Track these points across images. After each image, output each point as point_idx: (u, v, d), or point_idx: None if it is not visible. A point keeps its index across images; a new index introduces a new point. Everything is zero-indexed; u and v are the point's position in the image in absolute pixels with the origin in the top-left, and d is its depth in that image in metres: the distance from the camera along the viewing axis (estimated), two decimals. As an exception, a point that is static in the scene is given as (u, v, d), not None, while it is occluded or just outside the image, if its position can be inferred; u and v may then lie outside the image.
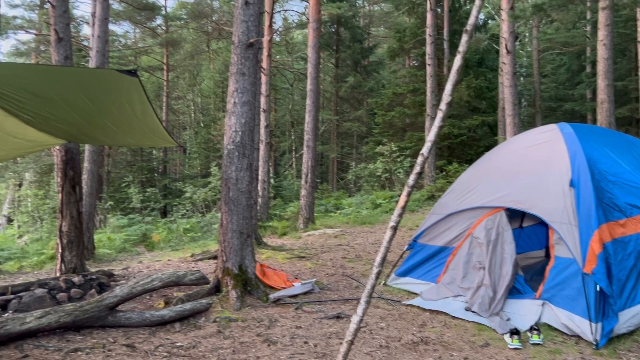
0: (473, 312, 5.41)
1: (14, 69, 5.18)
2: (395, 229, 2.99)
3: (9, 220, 24.68)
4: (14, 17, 25.63)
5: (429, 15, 18.63)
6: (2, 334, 4.74)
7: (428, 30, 18.52)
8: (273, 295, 6.05)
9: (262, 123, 14.31)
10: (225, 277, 6.16)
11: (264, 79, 14.27)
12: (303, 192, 13.65)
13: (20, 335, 4.83)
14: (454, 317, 5.44)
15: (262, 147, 14.29)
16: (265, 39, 14.60)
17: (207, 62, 31.46)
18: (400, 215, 2.98)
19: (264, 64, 14.55)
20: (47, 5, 19.73)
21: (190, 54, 29.27)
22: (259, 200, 13.96)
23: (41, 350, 4.57)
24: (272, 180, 19.54)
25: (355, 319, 3.08)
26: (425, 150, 2.93)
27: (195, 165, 29.27)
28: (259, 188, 13.80)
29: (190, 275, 5.69)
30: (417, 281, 6.40)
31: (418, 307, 5.78)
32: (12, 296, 6.57)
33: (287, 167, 27.23)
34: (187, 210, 18.80)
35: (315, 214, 14.16)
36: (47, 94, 5.09)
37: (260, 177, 14.01)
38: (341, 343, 4.52)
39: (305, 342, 4.60)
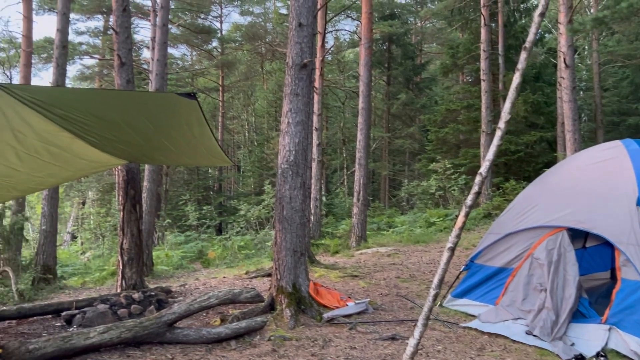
0: (534, 336, 5.20)
1: (81, 94, 5.46)
2: (452, 250, 2.93)
3: (73, 237, 25.82)
4: (80, 44, 27.14)
5: (483, 31, 18.36)
6: (68, 348, 4.93)
7: (482, 46, 18.23)
8: (327, 315, 6.03)
9: (314, 141, 14.43)
10: (279, 295, 6.20)
11: (316, 98, 14.42)
12: (355, 210, 13.60)
13: (84, 350, 5.01)
14: (514, 341, 5.24)
15: (314, 165, 14.40)
16: (317, 59, 14.78)
17: (260, 83, 32.13)
18: (458, 236, 2.92)
19: (316, 83, 14.71)
20: (111, 32, 20.77)
21: (244, 75, 30.00)
22: (312, 218, 14.01)
23: (103, 365, 4.72)
24: (324, 198, 19.60)
25: (412, 341, 3.02)
26: (483, 169, 2.87)
27: (249, 184, 29.77)
28: (311, 206, 13.87)
29: (245, 293, 5.76)
30: (474, 303, 6.22)
31: (476, 329, 5.61)
32: (76, 311, 6.85)
33: (339, 185, 27.23)
34: (242, 228, 19.09)
35: (367, 232, 14.07)
36: (111, 117, 5.33)
37: (312, 195, 14.08)
38: (397, 365, 4.47)
39: (360, 364, 4.54)
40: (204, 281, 10.05)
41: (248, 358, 4.78)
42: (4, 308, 7.84)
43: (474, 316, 6.02)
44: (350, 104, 29.15)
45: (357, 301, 6.62)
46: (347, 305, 6.42)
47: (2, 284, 11.19)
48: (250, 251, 14.76)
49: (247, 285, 8.60)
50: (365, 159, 13.64)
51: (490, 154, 2.88)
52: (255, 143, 32.22)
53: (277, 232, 6.47)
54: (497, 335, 5.40)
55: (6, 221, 13.07)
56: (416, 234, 14.13)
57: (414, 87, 27.53)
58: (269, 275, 9.27)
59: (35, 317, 7.35)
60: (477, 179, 2.88)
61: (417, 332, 3.00)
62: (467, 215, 2.94)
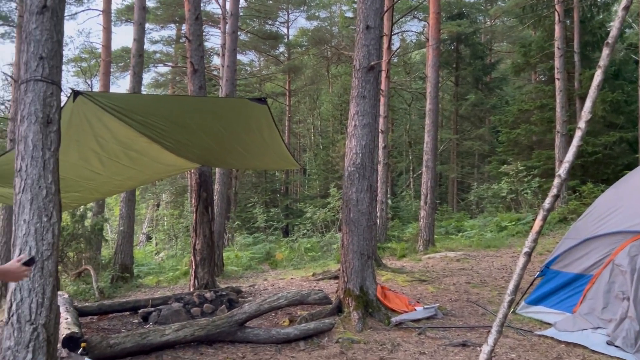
0: (616, 346, 4.91)
1: (158, 101, 5.72)
2: (529, 255, 2.83)
3: (148, 238, 27.00)
4: (154, 52, 28.40)
5: (557, 28, 17.60)
6: (145, 344, 5.16)
7: (557, 43, 17.47)
8: (395, 319, 5.97)
9: (380, 144, 14.34)
10: (346, 297, 6.20)
11: (382, 100, 14.33)
12: (422, 213, 13.40)
13: (160, 346, 5.23)
14: (593, 351, 4.97)
15: (380, 168, 14.31)
16: (384, 61, 14.70)
17: (326, 86, 32.35)
18: (535, 241, 2.82)
19: (383, 86, 14.62)
20: (184, 40, 21.57)
21: (310, 79, 30.30)
22: (377, 221, 13.92)
23: (178, 361, 4.90)
24: (389, 201, 19.41)
25: (486, 348, 2.94)
26: (562, 171, 2.75)
27: (315, 187, 30.00)
28: (377, 209, 13.79)
29: (313, 295, 5.80)
30: (550, 310, 5.96)
31: (552, 338, 5.37)
32: (152, 309, 7.16)
33: (405, 188, 26.89)
34: (308, 230, 19.28)
35: (435, 236, 13.81)
36: (186, 122, 5.55)
37: (378, 198, 13.99)
38: (468, 373, 4.35)
39: (430, 369, 4.46)
40: (272, 282, 10.22)
41: (317, 359, 4.81)
42: (86, 304, 8.31)
43: (549, 324, 5.76)
44: (417, 106, 28.77)
45: (426, 306, 6.51)
46: (415, 309, 6.33)
47: (84, 281, 11.89)
48: (316, 253, 14.87)
49: (315, 287, 8.66)
50: (433, 162, 13.41)
51: (569, 155, 2.75)
52: (321, 146, 32.45)
53: (344, 234, 6.48)
54: (575, 345, 5.14)
55: (87, 222, 13.88)
56: (487, 238, 13.71)
57: (483, 87, 26.77)
58: (336, 277, 9.31)
59: (114, 314, 7.76)
60: (556, 181, 2.76)
61: (491, 339, 2.91)
62: (544, 219, 2.82)
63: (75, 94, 4.64)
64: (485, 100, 25.86)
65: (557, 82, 17.37)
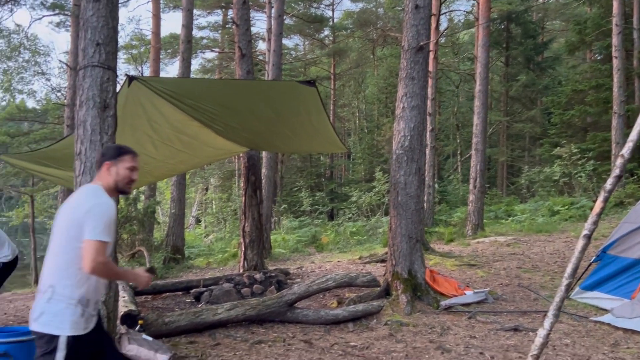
0: (679, 335, 4.72)
1: (210, 85, 5.81)
2: (589, 238, 2.74)
3: (198, 221, 27.68)
4: (202, 38, 28.80)
5: (615, 3, 16.73)
6: (198, 322, 5.32)
7: (614, 20, 16.62)
8: (444, 302, 5.92)
9: (428, 127, 14.13)
10: (394, 281, 6.19)
11: (429, 82, 14.08)
12: (471, 197, 13.17)
13: (212, 325, 5.38)
14: (653, 339, 4.80)
15: (427, 151, 14.11)
16: (431, 42, 14.43)
17: (371, 69, 32.03)
18: (596, 223, 2.72)
19: (430, 67, 14.36)
20: (230, 25, 21.79)
21: (355, 62, 30.05)
22: (425, 205, 13.78)
23: (230, 340, 5.03)
24: (436, 185, 19.15)
25: (542, 332, 2.87)
26: (626, 151, 2.64)
27: (360, 171, 29.91)
28: (424, 193, 13.64)
29: (362, 277, 5.82)
30: (606, 296, 5.77)
31: (609, 324, 5.20)
32: (204, 289, 7.36)
33: (452, 172, 26.42)
34: (353, 214, 19.29)
35: (484, 221, 13.56)
36: (236, 106, 5.62)
37: (425, 182, 13.83)
38: (520, 357, 4.28)
39: (481, 353, 4.41)
40: (319, 265, 10.32)
41: (366, 340, 4.84)
42: (142, 283, 8.61)
43: (605, 310, 5.58)
44: (465, 88, 28.11)
45: (476, 290, 6.43)
46: (465, 294, 6.26)
47: (138, 262, 12.33)
48: (362, 237, 14.88)
49: (361, 270, 8.68)
50: (483, 144, 13.12)
51: (634, 134, 2.63)
52: (366, 130, 32.25)
53: (391, 218, 6.45)
54: (634, 332, 4.96)
55: (140, 205, 14.35)
56: (538, 223, 13.35)
57: (535, 67, 25.84)
58: (383, 261, 9.30)
59: (167, 293, 8.02)
60: (619, 161, 2.65)
61: (547, 323, 2.85)
62: (605, 200, 2.72)
63: (130, 79, 4.77)
64: (537, 81, 24.97)
65: (614, 60, 16.57)
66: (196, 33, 27.62)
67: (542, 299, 6.34)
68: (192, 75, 25.92)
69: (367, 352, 4.51)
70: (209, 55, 31.31)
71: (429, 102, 13.87)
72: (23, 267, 14.62)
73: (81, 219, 2.41)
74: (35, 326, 2.40)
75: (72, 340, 2.36)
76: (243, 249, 8.82)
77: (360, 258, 10.29)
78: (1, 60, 16.19)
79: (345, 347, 4.66)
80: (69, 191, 10.68)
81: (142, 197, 15.78)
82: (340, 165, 31.67)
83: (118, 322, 4.57)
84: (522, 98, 26.22)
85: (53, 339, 2.35)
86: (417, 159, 6.45)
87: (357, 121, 34.24)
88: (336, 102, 30.12)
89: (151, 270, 2.46)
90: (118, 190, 2.70)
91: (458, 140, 27.01)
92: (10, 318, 7.03)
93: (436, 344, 4.68)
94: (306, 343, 4.83)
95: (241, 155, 8.96)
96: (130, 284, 6.23)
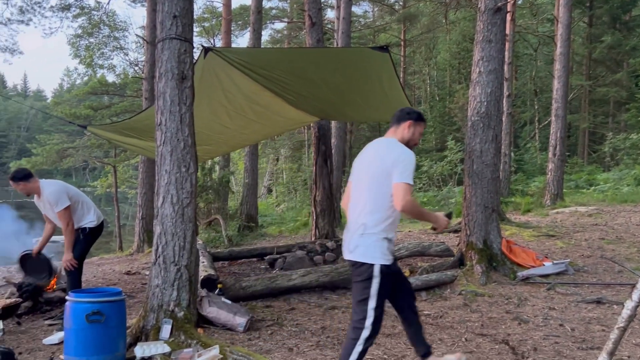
0: None
1: (282, 54, 5.84)
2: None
3: (269, 191, 28.29)
4: (271, 9, 28.89)
5: None
6: (274, 287, 5.49)
7: None
8: (522, 273, 5.76)
9: (504, 92, 13.54)
10: (469, 251, 6.08)
11: (507, 45, 13.44)
12: (550, 166, 12.59)
13: (287, 290, 5.53)
14: None
15: (503, 118, 13.56)
16: (508, 3, 13.72)
17: (443, 34, 30.93)
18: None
19: (507, 30, 13.65)
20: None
21: (426, 27, 29.08)
22: (500, 174, 13.34)
23: (304, 305, 5.15)
24: (512, 154, 18.43)
25: (630, 304, 2.71)
26: None
27: (430, 139, 29.23)
28: (500, 162, 13.19)
29: (435, 247, 5.75)
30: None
31: None
32: (277, 256, 7.56)
33: (529, 140, 25.27)
34: (424, 184, 19.00)
35: (564, 190, 12.96)
36: (308, 75, 5.62)
37: (501, 150, 13.36)
38: (603, 330, 4.10)
39: (561, 325, 4.26)
40: (390, 234, 10.28)
41: (439, 309, 4.80)
42: (218, 250, 8.98)
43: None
44: (544, 51, 26.58)
45: (555, 261, 6.19)
46: (543, 265, 6.05)
47: (214, 229, 12.81)
48: (433, 207, 14.67)
49: (433, 240, 8.58)
50: (563, 110, 12.45)
51: None
52: (437, 98, 31.38)
53: (466, 187, 6.29)
54: None
55: (215, 175, 14.82)
56: (623, 192, 12.61)
57: (621, 27, 23.96)
58: (456, 231, 9.14)
59: (242, 260, 8.32)
60: None
61: (636, 295, 2.69)
62: None
63: (206, 50, 4.87)
64: (623, 42, 23.16)
65: None
66: (265, 4, 27.74)
67: (627, 271, 6.02)
68: (262, 47, 26.17)
69: (441, 321, 4.48)
70: (278, 25, 31.36)
71: (505, 67, 13.28)
72: (107, 234, 15.60)
73: (389, 165, 2.76)
74: (351, 256, 2.84)
75: (385, 269, 2.75)
76: (314, 217, 8.93)
77: (432, 228, 10.15)
78: (83, 36, 16.96)
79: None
80: (149, 161, 11.18)
81: (217, 168, 16.28)
82: (410, 135, 31.07)
83: (199, 285, 4.78)
84: (606, 60, 24.47)
85: (369, 267, 2.74)
86: (494, 126, 6.22)
87: (428, 89, 33.35)
88: (406, 70, 29.43)
89: (449, 215, 2.70)
90: None
91: (536, 107, 25.77)
92: (100, 280, 7.56)
93: (513, 314, 4.57)
94: (379, 310, 4.85)
95: (311, 125, 9.00)
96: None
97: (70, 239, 4.76)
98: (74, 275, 4.81)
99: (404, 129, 2.99)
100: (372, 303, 2.73)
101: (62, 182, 5.11)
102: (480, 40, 6.22)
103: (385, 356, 3.52)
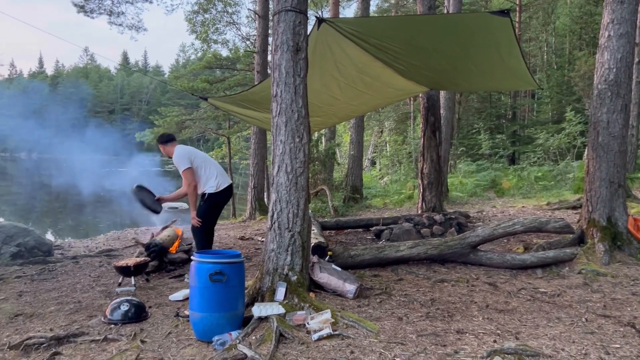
0: None
1: (395, 22, 5.73)
2: None
3: (373, 163, 28.25)
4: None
5: None
6: (381, 257, 5.54)
7: None
8: (651, 254, 5.32)
9: (635, 58, 12.34)
10: (590, 228, 5.71)
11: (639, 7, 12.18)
12: (687, 139, 11.36)
13: (394, 261, 5.56)
14: None
15: (633, 86, 12.39)
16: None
17: (564, -3, 28.68)
18: None
19: (640, -11, 12.36)
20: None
21: (546, -10, 27.10)
22: (627, 147, 12.27)
23: (412, 276, 5.15)
24: (640, 126, 16.83)
25: None
26: None
27: (547, 111, 27.47)
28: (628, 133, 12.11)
29: (553, 223, 5.46)
30: None
31: None
32: (384, 227, 7.59)
33: (661, 111, 22.89)
34: (538, 158, 17.96)
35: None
36: (421, 44, 5.49)
37: (629, 122, 12.25)
38: None
39: (698, 312, 3.90)
40: (500, 209, 9.93)
41: (557, 288, 4.59)
42: (325, 219, 9.19)
43: None
44: (683, 11, 23.74)
45: (691, 243, 5.63)
46: (677, 246, 5.53)
47: (320, 200, 13.11)
48: (548, 182, 13.87)
49: (550, 216, 8.16)
50: None
51: None
52: (555, 66, 29.28)
53: (589, 160, 5.89)
54: None
55: (320, 147, 15.07)
56: None
57: None
58: (574, 207, 8.63)
59: (348, 230, 8.45)
60: None
61: None
62: None
63: (320, 21, 4.92)
64: None
65: None
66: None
67: None
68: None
69: (559, 300, 4.28)
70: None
71: (637, 31, 12.06)
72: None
73: None
74: None
75: None
76: (421, 190, 8.83)
77: (548, 204, 9.66)
78: (199, 12, 17.75)
79: (534, 293, 4.47)
80: (261, 132, 11.63)
81: (323, 139, 16.53)
82: (523, 106, 29.38)
83: (310, 251, 4.95)
84: None
85: None
86: (624, 95, 5.74)
87: (545, 56, 31.20)
88: (521, 36, 27.67)
89: None
90: None
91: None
92: (217, 244, 8.05)
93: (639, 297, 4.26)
94: (491, 285, 4.75)
95: (420, 95, 8.82)
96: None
97: (192, 199, 5.15)
98: (200, 237, 5.18)
99: None
100: None
101: (189, 147, 5.47)
102: (610, 2, 5.71)
103: (498, 331, 3.45)
